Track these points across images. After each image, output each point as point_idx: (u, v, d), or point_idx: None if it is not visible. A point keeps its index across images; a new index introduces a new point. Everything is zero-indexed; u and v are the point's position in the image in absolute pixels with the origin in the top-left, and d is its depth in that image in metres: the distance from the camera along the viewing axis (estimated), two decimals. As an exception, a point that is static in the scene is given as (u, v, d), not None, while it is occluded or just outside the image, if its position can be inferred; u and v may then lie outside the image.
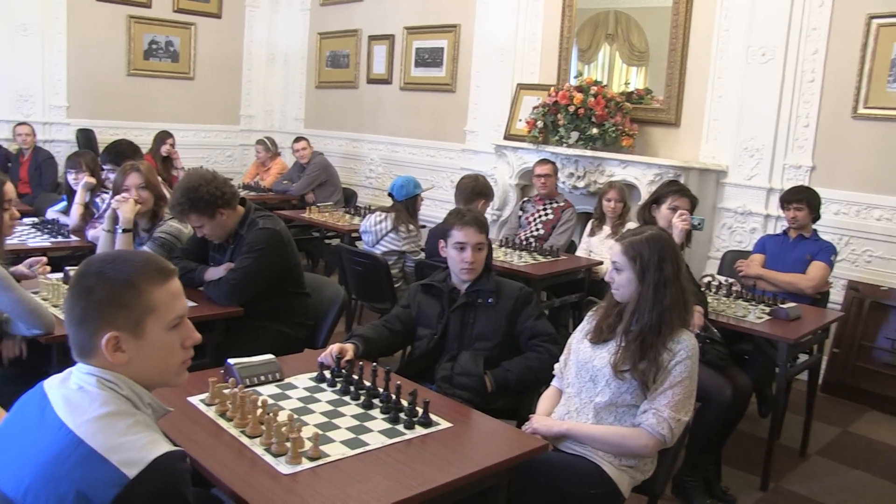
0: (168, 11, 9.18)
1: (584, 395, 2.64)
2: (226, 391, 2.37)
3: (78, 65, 8.56)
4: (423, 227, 5.44)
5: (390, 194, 5.18)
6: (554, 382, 2.86)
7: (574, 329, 2.88)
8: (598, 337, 2.67)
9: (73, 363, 3.07)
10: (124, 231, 3.90)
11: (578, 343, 2.75)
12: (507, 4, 7.20)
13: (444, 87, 7.97)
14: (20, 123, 7.70)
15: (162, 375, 1.66)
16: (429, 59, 8.15)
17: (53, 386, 1.61)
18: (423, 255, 5.04)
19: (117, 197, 3.98)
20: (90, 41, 8.63)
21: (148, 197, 4.02)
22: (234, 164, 9.96)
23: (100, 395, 1.53)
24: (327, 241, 7.11)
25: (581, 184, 6.36)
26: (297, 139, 8.07)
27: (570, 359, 2.77)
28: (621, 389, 2.54)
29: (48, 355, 3.10)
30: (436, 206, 7.55)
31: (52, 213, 5.29)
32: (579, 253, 5.62)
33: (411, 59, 8.33)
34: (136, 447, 1.45)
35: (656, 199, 4.15)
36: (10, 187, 3.07)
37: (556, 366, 2.85)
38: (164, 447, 1.48)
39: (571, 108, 6.20)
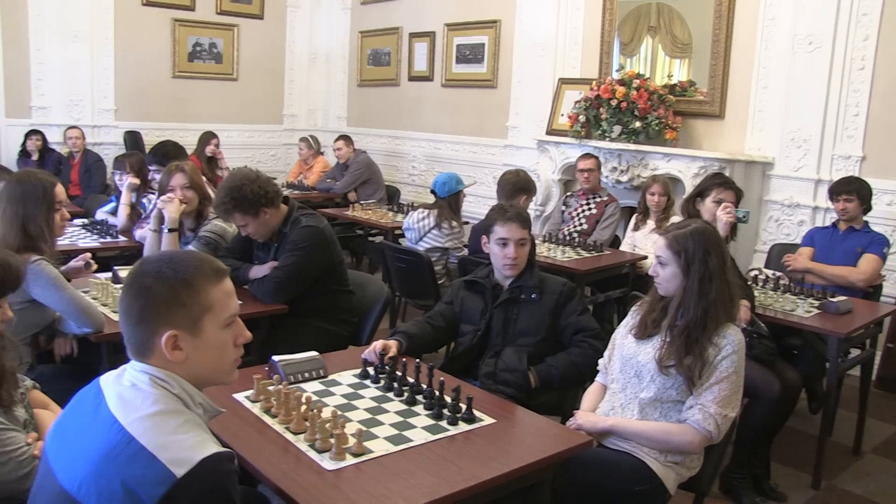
0: (211, 14, 9.30)
1: (629, 391, 2.62)
2: (270, 388, 2.40)
3: (125, 68, 8.73)
4: (466, 223, 5.43)
5: (433, 191, 5.18)
6: (598, 378, 2.84)
7: (619, 324, 2.86)
8: (643, 332, 2.65)
9: (123, 360, 3.14)
10: (170, 231, 3.96)
11: (623, 338, 2.73)
12: (547, -1, 7.16)
13: (486, 83, 7.96)
14: (71, 127, 7.88)
15: (216, 373, 1.69)
16: (470, 55, 8.13)
17: (109, 382, 1.64)
18: (465, 251, 5.04)
19: (163, 197, 4.04)
20: (136, 45, 8.80)
21: (192, 197, 4.07)
22: (278, 163, 10.06)
23: (152, 393, 1.56)
24: (371, 239, 7.14)
25: (624, 178, 6.30)
26: (336, 138, 8.12)
27: (614, 354, 2.76)
28: (666, 385, 2.52)
29: (98, 353, 3.17)
30: (478, 203, 7.55)
31: (100, 214, 5.40)
32: (623, 247, 5.58)
33: (452, 55, 8.33)
34: (185, 446, 1.47)
35: (700, 193, 4.10)
36: (60, 189, 3.14)
37: (601, 361, 2.83)
38: (213, 447, 1.49)
39: (614, 102, 6.15)
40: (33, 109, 8.22)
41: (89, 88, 8.53)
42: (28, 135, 7.70)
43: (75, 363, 3.27)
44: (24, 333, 3.02)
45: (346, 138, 8.10)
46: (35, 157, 7.61)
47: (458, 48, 8.26)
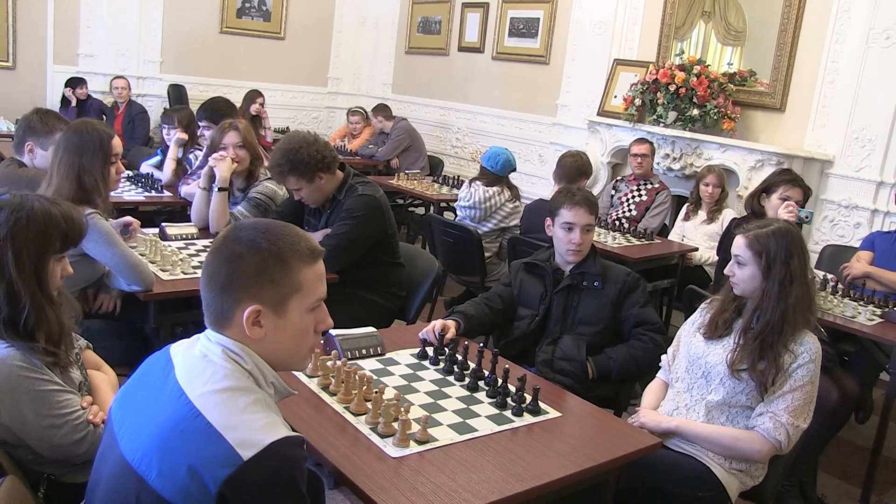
0: (262, -30, 9.18)
1: (695, 392, 2.52)
2: (329, 363, 2.33)
3: (173, 21, 8.63)
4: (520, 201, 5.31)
5: (488, 168, 5.02)
6: (660, 375, 2.74)
7: (666, 315, 2.75)
8: (713, 332, 2.54)
9: (168, 320, 3.08)
10: (220, 189, 3.88)
11: (690, 336, 2.63)
12: (608, -25, 6.95)
13: (538, 58, 7.78)
14: (117, 77, 7.82)
15: (291, 357, 1.61)
16: (523, 29, 7.96)
17: (179, 352, 1.57)
18: (518, 230, 4.94)
19: (214, 155, 3.97)
20: (185, -2, 8.70)
21: (245, 156, 4.00)
22: (320, 125, 9.96)
23: (223, 367, 1.48)
24: (412, 210, 7.06)
25: (676, 166, 6.15)
26: (374, 109, 7.96)
27: (679, 352, 2.65)
28: (736, 389, 2.42)
29: (145, 311, 3.11)
30: (523, 180, 7.42)
31: (145, 168, 5.34)
32: (672, 237, 5.45)
33: (505, 28, 8.15)
34: (253, 427, 1.39)
35: (767, 188, 3.97)
36: (117, 141, 3.07)
37: (664, 358, 2.74)
38: (283, 431, 1.41)
39: (672, 87, 5.98)
40: (80, 57, 8.15)
41: (136, 39, 8.45)
42: (70, 83, 7.64)
43: (121, 320, 3.22)
44: (74, 288, 2.97)
45: (383, 110, 7.95)
46: (73, 103, 7.55)
47: (512, 21, 8.08)
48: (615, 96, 6.71)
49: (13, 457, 1.86)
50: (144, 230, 3.64)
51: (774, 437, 2.33)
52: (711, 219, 5.33)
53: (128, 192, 4.78)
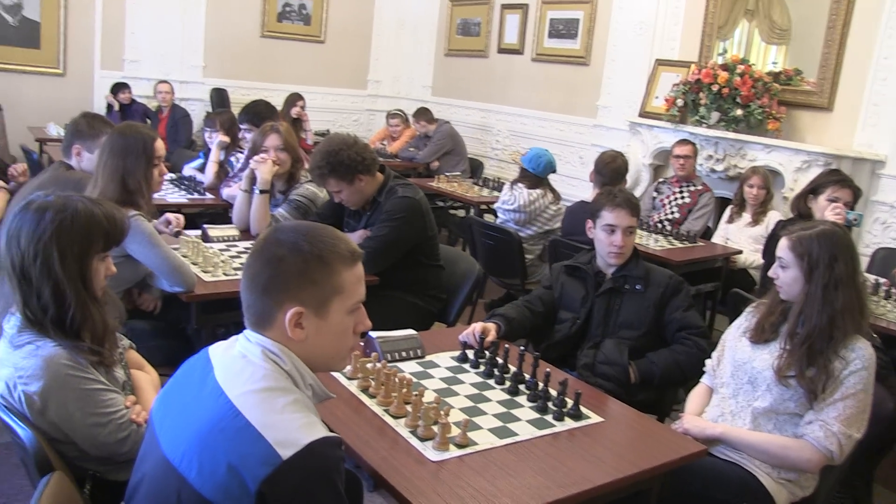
0: (301, -26, 9.25)
1: (741, 398, 2.46)
2: (368, 365, 2.32)
3: (215, 25, 8.75)
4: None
5: (527, 169, 4.96)
6: (705, 380, 2.68)
7: (710, 320, 2.70)
8: (759, 336, 2.48)
9: (211, 321, 3.10)
10: (261, 192, 3.90)
11: (735, 340, 2.57)
12: (650, -25, 6.87)
13: (578, 59, 7.72)
14: (161, 81, 7.94)
15: (331, 359, 1.62)
16: (563, 30, 7.90)
17: (218, 353, 1.58)
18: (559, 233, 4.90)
19: (255, 157, 3.99)
20: (228, 3, 8.80)
21: (286, 159, 4.02)
22: (360, 128, 10.00)
23: (262, 367, 1.49)
24: (452, 212, 7.04)
25: (720, 167, 6.04)
26: (416, 113, 7.98)
27: (724, 356, 2.60)
28: (784, 396, 2.35)
29: (187, 312, 3.14)
30: (563, 182, 7.35)
31: (188, 170, 5.40)
32: (715, 240, 5.37)
33: (545, 29, 8.09)
34: (292, 427, 1.39)
35: (814, 189, 3.88)
36: (160, 144, 3.10)
37: (709, 362, 2.68)
38: (321, 431, 1.42)
39: (715, 87, 5.88)
40: (126, 62, 8.30)
41: (179, 44, 8.58)
42: (115, 87, 7.77)
43: (164, 320, 3.26)
44: (118, 288, 3.01)
45: (425, 114, 7.93)
46: (116, 108, 7.67)
47: (552, 22, 8.02)
48: (656, 97, 6.63)
49: (61, 453, 1.89)
50: (187, 232, 3.68)
51: (825, 447, 2.27)
52: (756, 221, 5.23)
53: (171, 195, 4.84)
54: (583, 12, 7.62)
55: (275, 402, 1.42)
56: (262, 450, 1.35)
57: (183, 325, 3.25)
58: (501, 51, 8.70)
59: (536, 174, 4.89)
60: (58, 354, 1.83)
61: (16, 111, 7.40)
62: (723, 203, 5.90)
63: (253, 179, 3.96)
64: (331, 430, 1.44)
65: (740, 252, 5.07)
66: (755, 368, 2.43)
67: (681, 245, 4.90)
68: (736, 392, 2.49)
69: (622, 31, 7.16)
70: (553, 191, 4.99)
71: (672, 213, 5.58)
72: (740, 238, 5.25)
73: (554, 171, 5.00)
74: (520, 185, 4.96)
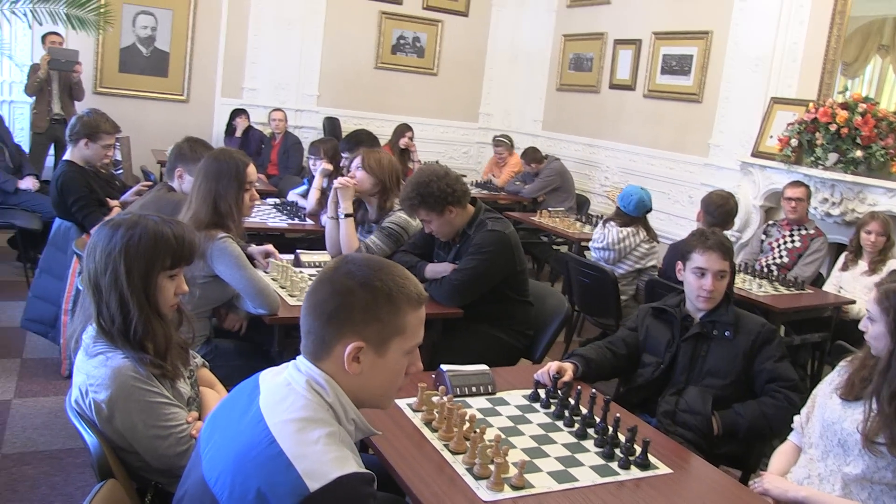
0: (418, 8, 9.45)
1: (830, 462, 2.29)
2: (434, 399, 2.29)
3: (330, 57, 9.05)
4: (658, 242, 5.12)
5: (621, 208, 4.88)
6: (792, 437, 2.51)
7: (813, 373, 2.52)
8: (850, 392, 2.30)
9: (294, 343, 3.15)
10: (346, 216, 3.95)
11: (826, 398, 2.39)
12: (767, 10, 6.62)
13: (691, 96, 7.54)
14: (275, 109, 8.23)
15: (380, 397, 1.61)
16: (676, 66, 7.75)
17: (267, 378, 1.59)
18: (656, 272, 4.76)
19: (336, 181, 4.05)
20: (344, 35, 9.09)
21: (363, 178, 4.00)
22: (470, 161, 10.08)
23: (303, 396, 1.49)
24: (555, 247, 6.97)
25: (836, 211, 5.75)
26: (524, 154, 7.95)
27: (814, 414, 2.42)
28: (879, 464, 2.17)
29: (270, 334, 3.20)
30: (670, 221, 7.19)
31: (292, 196, 5.56)
32: (827, 288, 5.09)
33: (657, 65, 7.96)
34: (323, 460, 1.38)
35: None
36: (252, 169, 3.18)
37: (797, 419, 2.51)
38: (353, 467, 1.40)
39: (833, 127, 5.62)
40: (244, 90, 8.69)
41: (296, 74, 8.93)
42: (234, 113, 8.11)
43: (248, 340, 3.33)
44: (205, 307, 3.10)
45: (533, 155, 7.87)
46: (238, 133, 8.01)
47: (665, 58, 7.88)
48: (771, 136, 6.38)
49: (125, 462, 1.96)
50: (282, 255, 3.76)
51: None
52: (874, 270, 4.94)
53: (272, 219, 4.97)
54: (697, 48, 7.46)
55: (310, 434, 1.42)
56: (292, 480, 1.35)
57: (267, 347, 3.31)
58: (613, 86, 8.60)
59: (628, 212, 4.79)
60: (125, 366, 1.90)
61: (141, 135, 7.83)
62: (837, 249, 5.62)
63: (337, 205, 4.02)
64: (365, 468, 1.42)
65: (853, 302, 4.79)
66: (845, 430, 2.25)
67: (787, 291, 4.67)
68: (825, 454, 2.31)
69: (737, 67, 6.96)
70: (647, 229, 4.85)
71: (780, 257, 5.33)
72: (855, 287, 4.97)
73: (648, 211, 4.87)
74: (612, 222, 4.88)
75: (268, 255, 3.70)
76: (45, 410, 3.80)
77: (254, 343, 3.33)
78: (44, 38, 7.18)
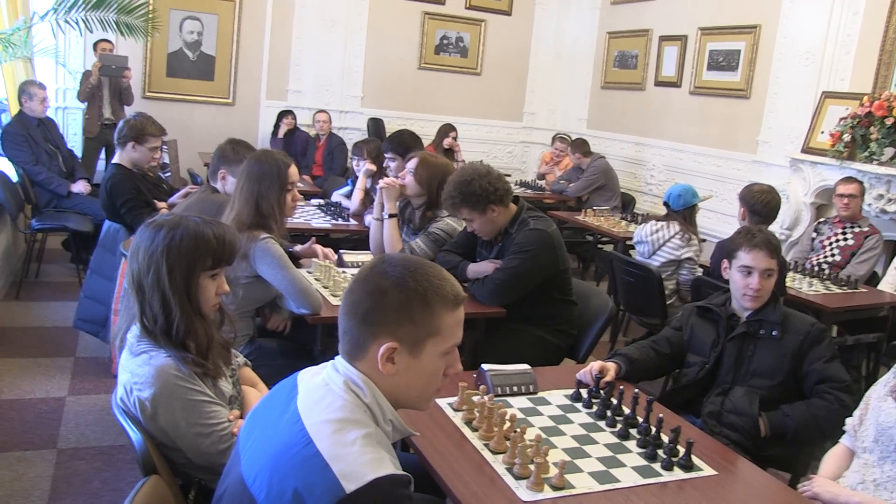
0: (460, 8, 9.45)
1: (886, 468, 2.21)
2: (475, 398, 2.28)
3: (374, 58, 9.10)
4: (704, 240, 5.05)
5: (666, 203, 4.87)
6: (845, 441, 2.43)
7: (868, 374, 2.45)
8: (904, 395, 2.24)
9: (336, 343, 3.17)
10: (390, 216, 3.96)
11: (880, 400, 2.31)
12: (819, 2, 6.46)
13: (738, 92, 7.41)
14: (320, 111, 8.30)
15: (417, 398, 1.60)
16: (723, 61, 7.62)
17: (305, 379, 1.59)
18: (700, 270, 4.69)
19: (381, 182, 4.06)
20: (387, 36, 9.13)
21: (412, 183, 4.02)
22: (514, 160, 10.05)
23: (341, 397, 1.49)
24: (600, 246, 6.90)
25: (892, 208, 5.59)
26: (572, 145, 7.91)
27: (867, 417, 2.34)
28: (939, 469, 2.10)
29: (313, 334, 3.22)
30: (717, 219, 7.07)
31: (336, 197, 5.59)
32: (883, 287, 4.95)
33: (704, 61, 7.84)
34: (359, 462, 1.37)
35: None
36: (293, 170, 3.20)
37: (850, 422, 2.42)
38: (389, 468, 1.39)
39: (889, 121, 5.47)
40: (289, 93, 8.78)
41: (340, 75, 8.99)
42: (281, 115, 8.19)
43: (291, 340, 3.35)
44: (248, 307, 3.13)
45: (581, 146, 7.83)
46: (280, 135, 8.09)
47: (711, 54, 7.76)
48: (822, 132, 6.24)
49: (169, 459, 1.99)
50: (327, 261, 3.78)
51: None
52: (931, 267, 4.80)
53: (315, 220, 5.01)
54: (744, 43, 7.33)
55: (347, 435, 1.41)
56: (328, 481, 1.34)
57: (310, 347, 3.33)
58: (658, 83, 8.50)
59: (671, 207, 4.83)
60: (168, 364, 1.93)
61: (188, 138, 7.95)
62: (894, 247, 5.47)
63: (382, 206, 4.03)
64: (402, 470, 1.41)
65: (909, 300, 4.66)
66: (901, 433, 2.18)
67: (839, 290, 4.56)
68: (882, 459, 2.23)
69: (787, 61, 6.82)
70: (684, 224, 4.77)
71: (832, 255, 5.21)
72: (912, 286, 4.84)
73: (690, 206, 4.79)
74: (652, 220, 4.91)
75: (321, 255, 3.73)
76: (97, 407, 3.88)
77: (297, 343, 3.35)
78: (95, 45, 7.36)
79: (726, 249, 2.94)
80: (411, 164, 4.05)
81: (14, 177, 5.72)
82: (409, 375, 1.52)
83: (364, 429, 1.44)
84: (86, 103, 7.28)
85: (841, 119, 5.91)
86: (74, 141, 7.65)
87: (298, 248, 3.82)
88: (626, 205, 7.69)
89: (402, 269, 1.52)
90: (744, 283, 2.79)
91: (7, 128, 5.95)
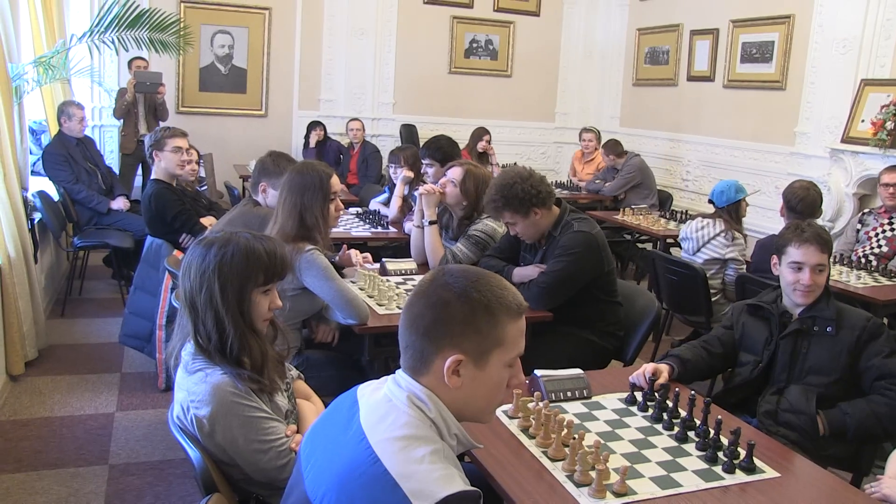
0: (489, 11, 9.43)
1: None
2: (530, 405, 2.26)
3: (404, 64, 9.12)
4: (746, 235, 4.98)
5: (710, 200, 4.82)
6: (911, 437, 2.39)
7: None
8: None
9: (383, 353, 3.16)
10: (430, 223, 3.95)
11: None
12: (855, -11, 6.37)
13: (773, 84, 7.31)
14: (352, 119, 8.32)
15: (481, 411, 1.58)
16: (756, 53, 7.52)
17: (365, 394, 1.58)
18: (744, 266, 4.63)
19: (420, 188, 4.06)
20: (416, 41, 9.15)
21: (453, 192, 4.01)
22: (548, 161, 10.00)
23: (405, 413, 1.47)
24: (639, 245, 6.84)
25: (938, 195, 5.47)
26: (604, 145, 7.84)
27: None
28: None
29: (361, 344, 3.22)
30: (758, 214, 6.97)
31: (374, 204, 5.59)
32: (932, 277, 4.84)
33: (737, 54, 7.74)
34: (429, 479, 1.36)
35: None
36: (335, 180, 3.20)
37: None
38: (459, 485, 1.37)
39: (932, 108, 5.36)
40: (321, 102, 8.83)
41: (371, 82, 9.02)
42: (310, 127, 8.22)
43: (338, 350, 3.36)
44: (295, 319, 3.13)
45: (614, 148, 7.74)
46: (312, 145, 8.11)
47: (744, 46, 7.66)
48: (863, 120, 6.13)
49: (227, 475, 1.99)
50: (367, 265, 3.78)
51: None
52: (981, 257, 4.69)
53: (355, 228, 5.02)
54: (778, 33, 7.23)
55: (414, 452, 1.40)
56: (398, 500, 1.33)
57: (357, 357, 3.33)
58: (691, 78, 8.42)
59: (715, 204, 4.79)
60: (224, 382, 1.93)
61: (223, 150, 8.03)
62: (941, 236, 5.35)
63: (422, 213, 4.02)
64: (476, 463, 1.40)
65: (963, 290, 4.55)
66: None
67: (888, 283, 4.47)
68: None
69: (823, 50, 6.71)
70: (729, 221, 4.71)
71: (879, 246, 5.11)
72: (962, 275, 4.72)
73: (734, 202, 4.73)
74: (699, 216, 4.86)
75: (355, 260, 3.73)
76: (146, 423, 3.92)
77: (344, 353, 3.35)
78: (130, 62, 7.45)
79: (775, 245, 2.89)
80: (454, 174, 4.03)
81: (55, 196, 5.80)
82: (474, 388, 1.51)
83: (431, 445, 1.42)
84: (122, 120, 7.37)
85: (883, 107, 5.81)
86: (112, 158, 7.76)
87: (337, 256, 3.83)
88: (663, 202, 7.60)
89: (463, 280, 1.51)
90: (795, 279, 2.74)
91: (48, 148, 6.04)
